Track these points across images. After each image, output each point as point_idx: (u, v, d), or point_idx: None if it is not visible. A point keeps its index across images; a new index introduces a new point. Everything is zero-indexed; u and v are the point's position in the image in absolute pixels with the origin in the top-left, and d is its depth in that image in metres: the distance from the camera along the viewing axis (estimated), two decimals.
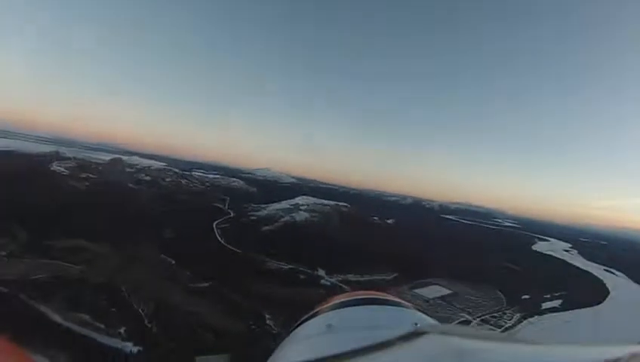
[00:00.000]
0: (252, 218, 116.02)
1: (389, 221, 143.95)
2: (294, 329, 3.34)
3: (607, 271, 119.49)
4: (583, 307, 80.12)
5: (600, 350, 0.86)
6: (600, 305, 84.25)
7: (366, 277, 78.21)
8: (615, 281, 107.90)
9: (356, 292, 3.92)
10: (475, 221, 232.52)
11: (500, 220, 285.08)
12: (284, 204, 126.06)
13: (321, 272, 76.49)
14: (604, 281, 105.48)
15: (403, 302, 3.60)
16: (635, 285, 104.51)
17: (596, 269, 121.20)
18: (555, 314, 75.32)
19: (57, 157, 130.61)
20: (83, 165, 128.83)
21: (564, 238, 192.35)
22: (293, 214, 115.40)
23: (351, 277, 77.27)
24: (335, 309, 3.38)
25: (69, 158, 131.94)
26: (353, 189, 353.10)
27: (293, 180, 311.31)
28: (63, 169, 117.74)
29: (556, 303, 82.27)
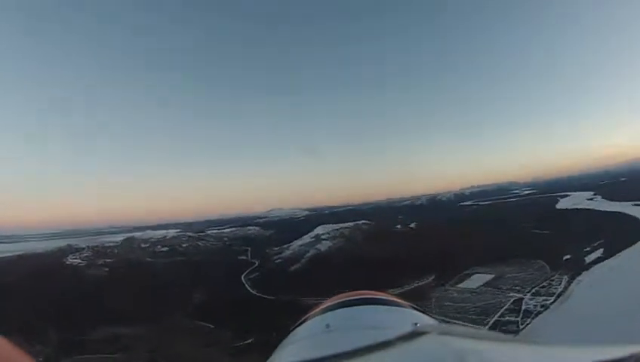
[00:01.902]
0: (278, 261, 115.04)
1: (411, 225, 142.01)
2: (294, 329, 3.28)
3: (635, 205, 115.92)
4: (626, 248, 77.09)
5: (600, 350, 0.79)
6: None
7: (406, 288, 76.31)
8: None
9: (356, 292, 3.82)
10: (493, 200, 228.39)
11: (517, 191, 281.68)
12: (306, 239, 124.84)
13: None
14: (636, 216, 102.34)
15: (403, 302, 3.52)
16: None
17: (625, 207, 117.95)
18: (600, 264, 73.58)
19: (70, 250, 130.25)
20: (98, 252, 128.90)
21: (584, 188, 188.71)
22: (317, 246, 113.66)
23: (392, 291, 75.52)
24: (335, 309, 3.30)
25: (82, 248, 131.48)
26: (366, 204, 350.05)
27: (307, 213, 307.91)
28: (79, 260, 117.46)
29: (598, 253, 79.82)
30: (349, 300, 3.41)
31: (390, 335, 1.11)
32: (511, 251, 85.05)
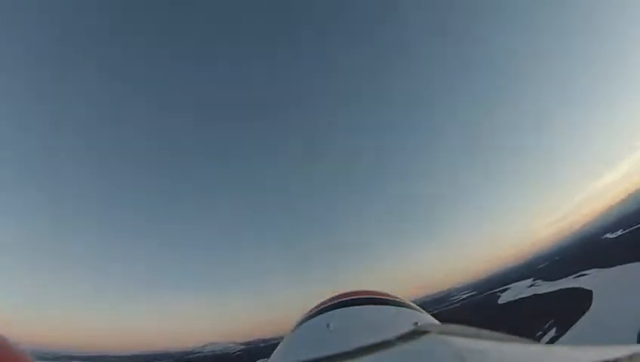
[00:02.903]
0: None
1: None
2: (294, 329, 3.26)
3: (578, 276, 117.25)
4: (579, 318, 71.70)
5: (600, 350, 0.83)
6: (592, 306, 75.95)
7: None
8: (589, 279, 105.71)
9: (356, 292, 3.79)
10: (430, 311, 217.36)
11: (455, 296, 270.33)
12: None
13: None
14: (581, 286, 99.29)
15: (403, 301, 3.46)
16: (606, 270, 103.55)
17: (568, 282, 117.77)
18: (557, 341, 63.24)
19: None
20: None
21: (522, 277, 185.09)
22: None
23: None
24: (335, 309, 3.27)
25: None
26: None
27: (242, 346, 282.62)
28: None
29: (552, 333, 73.44)
30: (349, 300, 3.43)
31: (390, 335, 1.06)
32: None
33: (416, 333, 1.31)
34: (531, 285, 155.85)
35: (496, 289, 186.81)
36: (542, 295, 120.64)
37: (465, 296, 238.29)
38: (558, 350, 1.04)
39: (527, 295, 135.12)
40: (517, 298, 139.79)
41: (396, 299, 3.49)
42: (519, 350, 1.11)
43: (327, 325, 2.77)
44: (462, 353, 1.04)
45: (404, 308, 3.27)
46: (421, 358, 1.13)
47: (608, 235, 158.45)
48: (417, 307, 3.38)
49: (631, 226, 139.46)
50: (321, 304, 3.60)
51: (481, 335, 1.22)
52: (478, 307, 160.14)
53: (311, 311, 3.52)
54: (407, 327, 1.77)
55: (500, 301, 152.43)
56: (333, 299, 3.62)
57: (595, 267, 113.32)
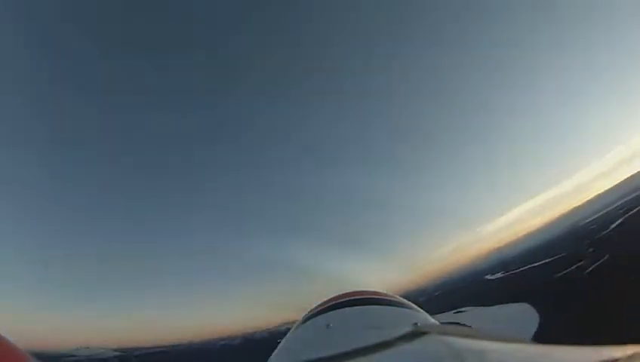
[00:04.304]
0: None
1: None
2: (295, 329, 3.30)
3: (456, 312, 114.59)
4: None
5: (599, 350, 0.86)
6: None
7: None
8: (468, 316, 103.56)
9: (356, 292, 3.81)
10: None
11: None
12: None
13: None
14: (458, 321, 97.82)
15: (403, 301, 3.50)
16: (484, 309, 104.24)
17: (448, 317, 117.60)
18: None
19: None
20: None
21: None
22: None
23: None
24: (335, 309, 3.31)
25: None
26: (177, 346, 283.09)
27: (116, 353, 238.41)
28: None
29: None
30: (349, 300, 3.50)
31: (390, 335, 1.09)
32: None
33: (416, 334, 1.28)
34: None
35: None
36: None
37: None
38: (558, 350, 1.07)
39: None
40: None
41: (396, 300, 3.45)
42: (519, 350, 1.15)
43: (327, 325, 2.81)
44: (461, 353, 1.06)
45: (403, 309, 3.25)
46: (421, 358, 1.18)
47: (488, 276, 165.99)
48: (417, 307, 3.34)
49: (510, 270, 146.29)
50: (322, 304, 3.55)
51: (481, 336, 1.28)
52: None
53: (311, 311, 3.50)
54: (406, 327, 1.80)
55: None
56: (333, 299, 3.58)
57: (473, 305, 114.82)
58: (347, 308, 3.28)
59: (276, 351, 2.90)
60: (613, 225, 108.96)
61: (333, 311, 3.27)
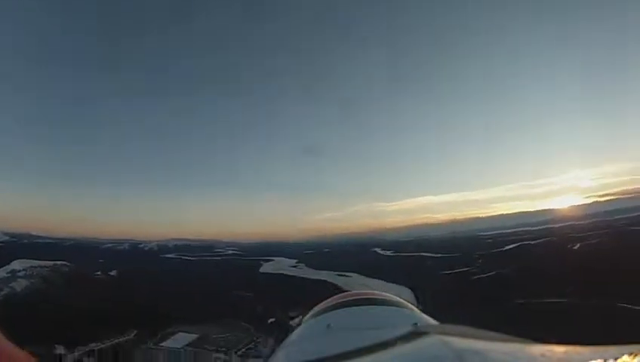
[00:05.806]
0: None
1: (112, 273, 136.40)
2: (295, 329, 3.33)
3: (339, 275, 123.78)
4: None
5: (599, 350, 0.87)
6: None
7: (107, 343, 67.07)
8: (349, 281, 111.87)
9: (356, 292, 3.94)
10: (197, 255, 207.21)
11: (221, 250, 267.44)
12: (1, 273, 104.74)
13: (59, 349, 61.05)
14: (338, 284, 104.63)
15: (403, 301, 3.55)
16: (367, 279, 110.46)
17: (329, 276, 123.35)
18: None
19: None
20: None
21: (288, 256, 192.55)
22: (12, 284, 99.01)
23: (92, 345, 62.83)
24: (335, 309, 3.36)
25: None
26: (67, 239, 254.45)
27: (5, 238, 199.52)
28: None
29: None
30: (350, 300, 3.54)
31: (390, 335, 1.11)
32: (215, 311, 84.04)
33: (416, 334, 1.32)
34: (294, 266, 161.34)
35: (260, 257, 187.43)
36: (302, 278, 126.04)
37: (230, 252, 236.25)
38: (558, 350, 1.04)
39: (288, 273, 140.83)
40: (278, 272, 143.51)
41: (396, 300, 3.51)
42: (519, 350, 1.14)
43: (328, 325, 2.81)
44: (461, 353, 1.02)
45: (403, 309, 3.26)
46: (421, 358, 1.15)
47: (378, 250, 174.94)
48: (417, 307, 3.40)
49: (400, 252, 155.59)
50: (322, 304, 3.64)
51: (481, 336, 1.24)
52: (240, 266, 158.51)
53: (311, 311, 3.56)
54: (406, 328, 1.80)
55: (262, 269, 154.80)
56: (333, 299, 3.67)
57: (357, 272, 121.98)
58: (347, 309, 3.30)
59: (277, 350, 2.87)
60: (508, 247, 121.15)
61: (334, 312, 3.28)
